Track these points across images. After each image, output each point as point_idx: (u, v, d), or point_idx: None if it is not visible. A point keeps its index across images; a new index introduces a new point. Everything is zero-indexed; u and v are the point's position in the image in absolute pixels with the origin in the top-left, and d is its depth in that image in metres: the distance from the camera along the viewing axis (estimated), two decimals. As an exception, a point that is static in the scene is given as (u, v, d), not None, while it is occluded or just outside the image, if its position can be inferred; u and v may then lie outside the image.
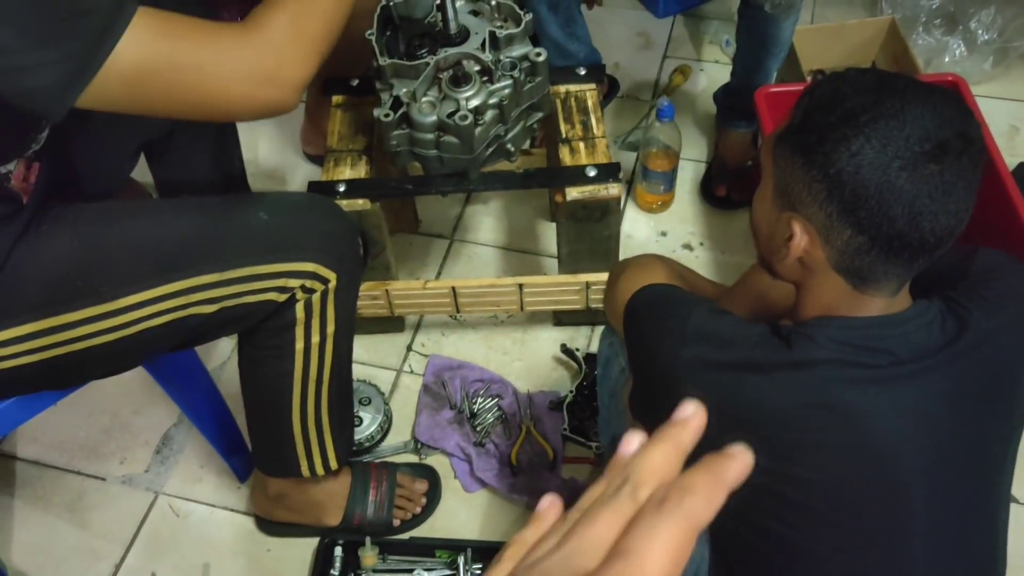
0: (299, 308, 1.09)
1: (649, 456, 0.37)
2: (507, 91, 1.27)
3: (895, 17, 1.91)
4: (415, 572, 1.35)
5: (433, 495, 1.44)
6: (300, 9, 0.93)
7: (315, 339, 1.13)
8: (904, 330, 0.82)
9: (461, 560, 1.35)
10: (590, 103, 1.51)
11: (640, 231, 1.81)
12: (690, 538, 0.33)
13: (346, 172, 1.44)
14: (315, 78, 1.81)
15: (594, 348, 1.61)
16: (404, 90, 1.28)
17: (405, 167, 1.38)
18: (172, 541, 1.44)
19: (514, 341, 1.65)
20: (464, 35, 1.31)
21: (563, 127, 1.48)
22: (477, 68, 1.28)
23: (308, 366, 1.15)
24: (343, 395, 1.25)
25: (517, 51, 1.30)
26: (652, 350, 0.89)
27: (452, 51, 1.29)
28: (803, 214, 0.81)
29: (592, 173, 1.38)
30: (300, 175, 1.94)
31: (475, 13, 1.35)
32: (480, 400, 1.54)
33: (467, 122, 1.24)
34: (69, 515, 1.47)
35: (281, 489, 1.34)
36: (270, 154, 1.98)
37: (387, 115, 1.27)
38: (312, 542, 1.41)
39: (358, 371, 1.46)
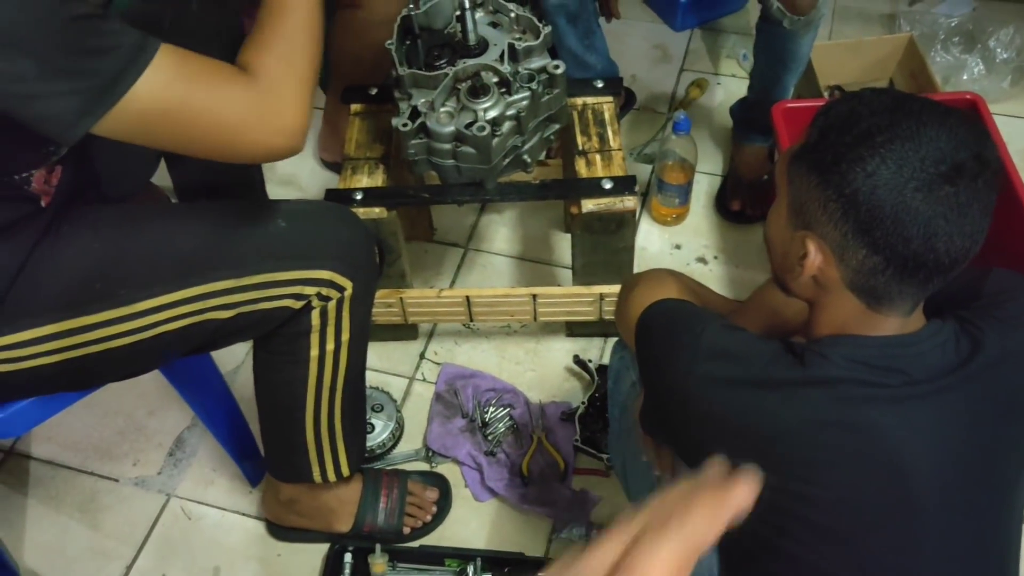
0: (315, 315, 1.09)
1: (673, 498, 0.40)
2: (525, 103, 1.28)
3: (913, 34, 1.91)
4: (424, 580, 1.36)
5: (444, 503, 1.44)
6: (288, 50, 0.95)
7: (330, 346, 1.13)
8: (918, 350, 0.82)
9: (471, 569, 1.35)
10: (607, 115, 1.52)
11: (654, 243, 1.81)
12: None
13: (363, 180, 1.45)
14: (334, 87, 1.83)
15: (607, 360, 1.61)
16: (422, 100, 1.29)
17: (422, 176, 1.39)
18: (183, 544, 1.45)
19: (527, 351, 1.66)
20: (483, 46, 1.32)
21: (580, 139, 1.49)
22: (495, 79, 1.29)
23: (322, 373, 1.15)
24: (356, 402, 1.26)
25: (535, 63, 1.31)
26: (664, 365, 0.89)
27: (471, 62, 1.30)
28: (818, 233, 0.81)
29: (608, 186, 1.39)
30: (317, 182, 1.95)
31: (494, 25, 1.36)
32: (492, 409, 1.54)
33: (484, 133, 1.25)
34: (81, 515, 1.49)
35: (293, 494, 1.35)
36: (288, 160, 1.98)
37: (405, 125, 1.28)
38: (322, 548, 1.41)
39: (371, 378, 1.47)
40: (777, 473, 0.83)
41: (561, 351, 1.64)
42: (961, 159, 0.75)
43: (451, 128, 1.27)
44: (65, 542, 1.46)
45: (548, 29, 1.31)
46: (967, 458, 0.83)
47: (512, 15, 1.34)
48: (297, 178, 1.96)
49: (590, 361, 1.58)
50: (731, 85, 2.09)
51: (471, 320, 1.59)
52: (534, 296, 1.52)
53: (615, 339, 1.64)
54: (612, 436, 1.16)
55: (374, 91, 1.56)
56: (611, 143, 1.48)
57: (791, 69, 1.62)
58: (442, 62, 1.31)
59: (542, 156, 1.42)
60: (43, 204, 1.02)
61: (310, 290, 1.07)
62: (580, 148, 1.47)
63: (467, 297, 1.53)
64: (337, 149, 1.91)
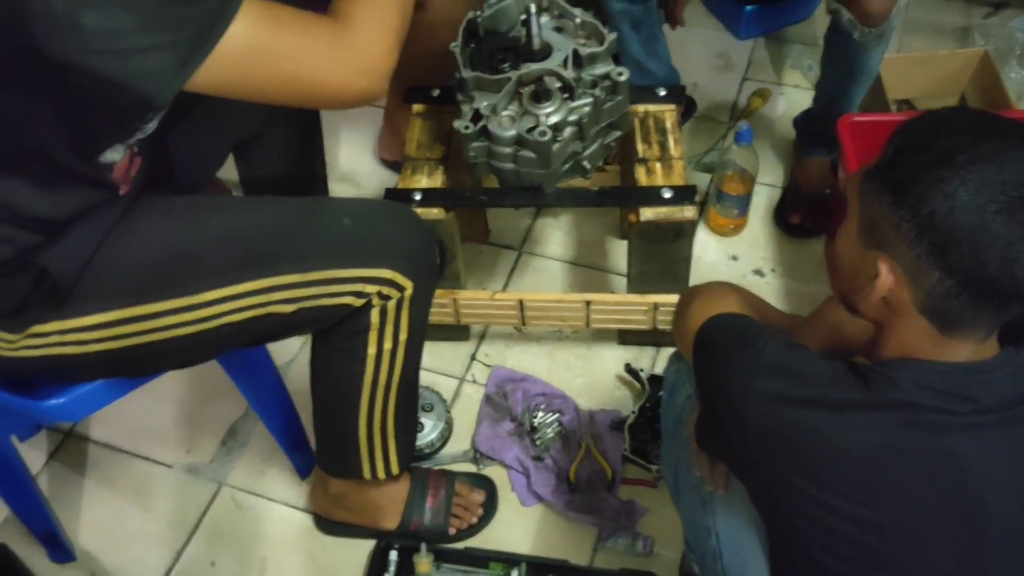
0: (374, 314, 1.10)
1: None
2: (587, 109, 1.28)
3: (988, 48, 1.86)
4: (467, 582, 1.36)
5: (490, 506, 1.45)
6: (380, 3, 0.98)
7: (387, 345, 1.14)
8: (990, 378, 0.80)
9: (515, 574, 1.35)
10: (669, 124, 1.51)
11: (710, 254, 1.79)
12: None
13: (423, 181, 1.46)
14: (396, 87, 1.85)
15: (659, 369, 1.60)
16: (485, 103, 1.29)
17: (480, 178, 1.40)
18: (232, 532, 1.47)
19: (578, 357, 1.65)
20: (547, 51, 1.32)
21: (640, 147, 1.48)
22: (558, 85, 1.29)
23: (378, 371, 1.16)
24: (409, 401, 1.27)
25: (599, 69, 1.30)
26: (722, 381, 0.88)
27: (534, 67, 1.30)
28: (890, 253, 0.80)
29: (668, 195, 1.38)
30: (375, 179, 1.97)
31: (559, 30, 1.36)
32: (541, 414, 1.54)
33: (546, 138, 1.25)
34: (135, 499, 1.52)
35: (341, 489, 1.36)
36: (347, 157, 2.01)
37: (467, 127, 1.28)
38: (368, 544, 1.42)
39: (422, 377, 1.47)
40: (836, 495, 0.82)
41: (612, 359, 1.64)
42: None
43: (512, 132, 1.27)
44: (118, 524, 1.49)
45: (613, 36, 1.30)
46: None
47: (577, 20, 1.34)
48: (355, 175, 1.98)
49: (641, 370, 1.57)
50: (794, 96, 2.06)
51: (523, 324, 1.59)
52: (588, 303, 1.52)
53: (669, 349, 1.63)
54: (665, 448, 1.16)
55: (436, 92, 1.57)
56: (672, 152, 1.47)
57: (859, 82, 1.59)
58: (506, 66, 1.31)
59: (601, 162, 1.41)
60: (121, 192, 1.04)
61: (371, 288, 1.08)
62: (640, 156, 1.46)
63: (520, 301, 1.53)
64: (396, 148, 1.93)
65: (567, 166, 1.34)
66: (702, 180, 1.90)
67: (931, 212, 0.75)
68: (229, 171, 1.48)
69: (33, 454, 1.56)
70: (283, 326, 1.09)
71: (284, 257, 1.05)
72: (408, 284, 1.10)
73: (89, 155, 0.99)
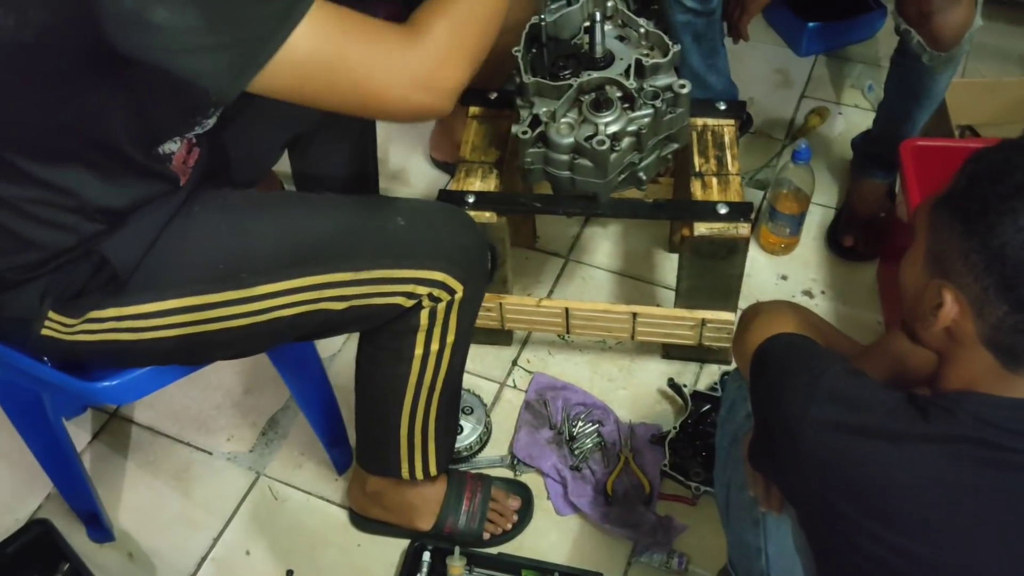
0: (423, 315, 1.10)
1: None
2: (647, 120, 1.27)
3: (1056, 78, 1.82)
4: (499, 588, 1.36)
5: (525, 513, 1.44)
6: (461, 17, 0.94)
7: (434, 347, 1.14)
8: None
9: (547, 583, 1.34)
10: (727, 139, 1.49)
11: (760, 272, 1.77)
12: None
13: (476, 184, 1.46)
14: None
15: (702, 386, 1.58)
16: (544, 109, 1.28)
17: (533, 184, 1.39)
18: (268, 522, 1.48)
19: (620, 368, 1.64)
20: (609, 60, 1.31)
21: (697, 160, 1.46)
22: (619, 94, 1.28)
23: (424, 372, 1.16)
24: (452, 404, 1.27)
25: (661, 81, 1.29)
26: (779, 403, 0.87)
27: (596, 75, 1.29)
28: (956, 284, 0.78)
29: (723, 211, 1.36)
30: (425, 179, 1.97)
31: (621, 39, 1.35)
32: (580, 424, 1.53)
33: (604, 147, 1.24)
34: (176, 483, 1.53)
35: (379, 487, 1.37)
36: (398, 155, 2.02)
37: (525, 132, 1.28)
38: (401, 543, 1.42)
39: (463, 380, 1.47)
40: (888, 528, 0.80)
41: (655, 372, 1.62)
42: None
43: (570, 140, 1.26)
44: (158, 507, 1.51)
45: (677, 48, 1.29)
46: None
47: (641, 30, 1.33)
48: (406, 173, 1.99)
49: (685, 386, 1.56)
50: (853, 116, 2.03)
51: (567, 332, 1.58)
52: (634, 315, 1.51)
53: (713, 366, 1.61)
54: (718, 465, 1.14)
55: (494, 95, 1.57)
56: (729, 167, 1.45)
57: (924, 106, 1.56)
58: (566, 72, 1.30)
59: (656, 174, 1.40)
60: (180, 184, 1.05)
61: (422, 290, 1.08)
62: (697, 170, 1.45)
63: (566, 309, 1.52)
64: (447, 148, 1.93)
65: (623, 176, 1.33)
66: (754, 196, 1.88)
67: (1002, 244, 0.73)
68: (282, 164, 1.49)
69: (78, 433, 1.58)
70: (333, 323, 1.10)
71: (338, 255, 1.05)
72: (459, 287, 1.10)
73: (149, 146, 1.01)
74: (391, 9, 2.05)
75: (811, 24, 2.08)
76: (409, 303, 1.09)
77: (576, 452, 1.50)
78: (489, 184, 1.46)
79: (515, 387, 1.63)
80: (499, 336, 1.66)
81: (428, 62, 0.90)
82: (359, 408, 1.28)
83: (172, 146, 1.04)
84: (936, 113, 1.65)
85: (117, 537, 1.47)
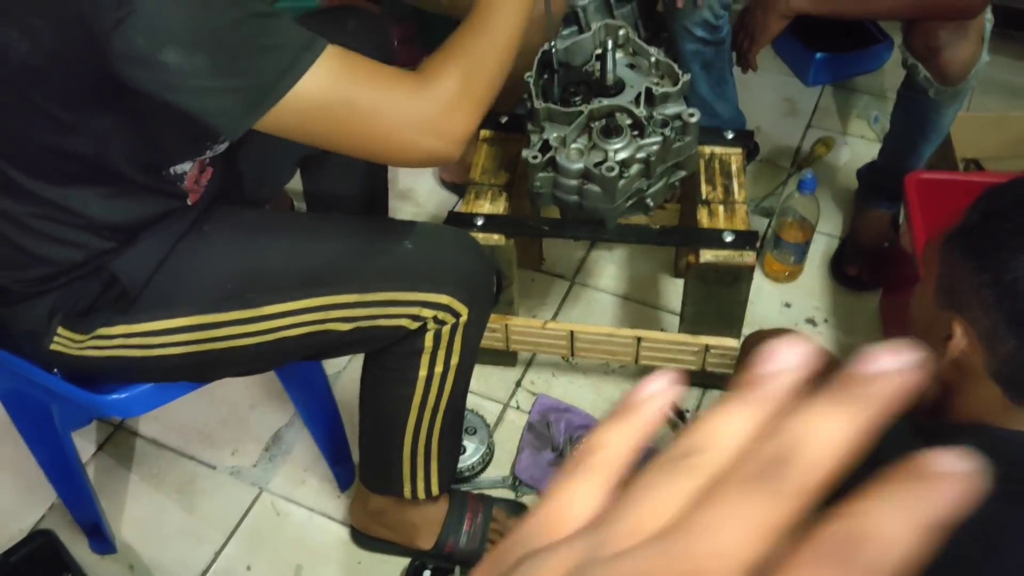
0: (428, 337, 1.12)
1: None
2: (656, 147, 1.28)
3: (1062, 113, 1.83)
4: (498, 609, 1.36)
5: (525, 535, 1.44)
6: (472, 67, 0.96)
7: (438, 368, 1.15)
8: None
9: (546, 606, 1.34)
10: (734, 167, 1.50)
11: (763, 299, 1.78)
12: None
13: (485, 206, 1.47)
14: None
15: (704, 411, 1.58)
16: (555, 134, 1.30)
17: (541, 208, 1.40)
18: (270, 538, 1.49)
19: (623, 392, 1.65)
20: (620, 87, 1.33)
21: (704, 188, 1.48)
22: (629, 121, 1.29)
23: (428, 393, 1.17)
24: (455, 425, 1.28)
25: (671, 109, 1.31)
26: None
27: (606, 102, 1.31)
28: (966, 317, 0.79)
29: (729, 238, 1.37)
30: (434, 199, 1.99)
31: (632, 67, 1.37)
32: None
33: (613, 174, 1.25)
34: (179, 497, 1.54)
35: (381, 506, 1.37)
36: (408, 175, 2.04)
37: (535, 157, 1.29)
38: (402, 562, 1.43)
39: (467, 401, 1.48)
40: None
41: (658, 397, 1.63)
42: None
43: (580, 165, 1.28)
44: (161, 520, 1.51)
45: (687, 77, 1.31)
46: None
47: (652, 59, 1.35)
48: (415, 193, 2.01)
49: (687, 411, 1.57)
50: (858, 147, 2.05)
51: (572, 355, 1.59)
52: (638, 339, 1.52)
53: (715, 392, 1.62)
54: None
55: (504, 119, 1.59)
56: (736, 195, 1.47)
57: (929, 139, 1.57)
58: (577, 99, 1.32)
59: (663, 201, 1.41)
60: (190, 202, 1.07)
61: (428, 312, 1.09)
62: (704, 197, 1.46)
63: (571, 332, 1.53)
64: (457, 170, 1.95)
65: (631, 202, 1.34)
66: (759, 224, 1.89)
67: (1013, 280, 0.74)
68: (293, 183, 1.51)
69: (83, 444, 1.59)
70: (339, 343, 1.11)
71: (345, 277, 1.07)
72: (464, 311, 1.11)
73: (158, 168, 1.02)
74: (406, 32, 2.08)
75: (819, 55, 2.10)
76: (414, 325, 1.10)
77: (578, 475, 1.50)
78: (498, 207, 1.47)
79: (518, 408, 1.63)
80: (504, 357, 1.67)
81: (438, 109, 0.92)
82: (363, 427, 1.29)
83: (184, 166, 1.06)
84: (941, 146, 1.66)
85: (119, 549, 1.47)
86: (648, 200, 1.35)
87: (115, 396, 1.11)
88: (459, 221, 1.42)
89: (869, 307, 1.76)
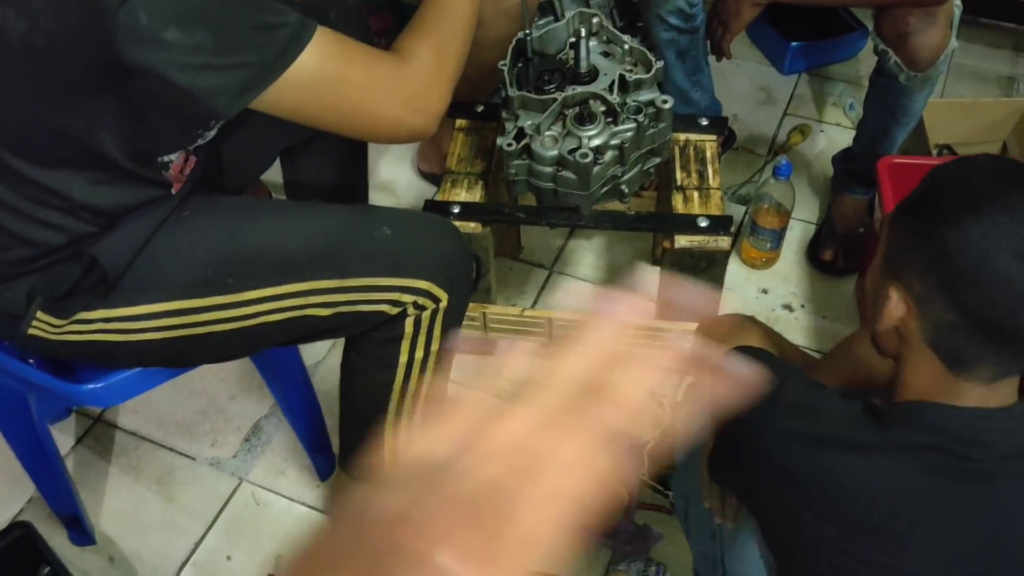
0: (408, 323, 1.12)
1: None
2: (629, 134, 1.29)
3: (1032, 99, 1.86)
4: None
5: (505, 521, 1.45)
6: (441, 45, 1.03)
7: (419, 354, 1.16)
8: (1007, 425, 0.80)
9: (526, 590, 1.35)
10: (709, 154, 1.52)
11: (740, 285, 1.80)
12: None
13: (462, 194, 1.48)
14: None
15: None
16: (529, 122, 1.31)
17: (518, 196, 1.41)
18: (250, 528, 1.49)
19: (602, 379, 1.66)
20: (593, 75, 1.34)
21: (679, 174, 1.49)
22: (603, 108, 1.30)
23: (408, 379, 1.18)
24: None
25: (644, 96, 1.32)
26: (739, 416, 0.89)
27: (580, 89, 1.31)
28: (903, 283, 0.81)
29: (704, 224, 1.39)
30: (413, 190, 1.99)
31: (606, 54, 1.38)
32: (562, 433, 1.55)
33: (587, 160, 1.26)
34: (158, 488, 1.54)
35: (361, 493, 1.38)
36: (387, 166, 2.04)
37: (510, 145, 1.30)
38: (383, 549, 1.43)
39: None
40: (849, 536, 0.82)
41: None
42: None
43: (554, 152, 1.29)
44: (141, 512, 1.51)
45: (660, 64, 1.32)
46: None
47: (625, 47, 1.36)
48: (394, 184, 2.01)
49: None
50: (834, 134, 2.07)
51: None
52: (616, 325, 1.53)
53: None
54: (676, 478, 1.16)
55: (480, 108, 1.59)
56: (710, 181, 1.48)
57: (902, 124, 1.59)
58: (551, 87, 1.33)
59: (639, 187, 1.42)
60: (173, 191, 1.07)
61: (407, 298, 1.09)
62: (678, 183, 1.48)
63: (550, 319, 1.54)
64: (435, 160, 1.95)
65: (605, 189, 1.35)
66: (736, 211, 1.91)
67: (943, 243, 0.76)
68: (271, 172, 1.50)
69: (62, 437, 1.58)
70: (318, 329, 1.11)
71: (324, 262, 1.07)
72: (444, 296, 1.12)
73: (148, 157, 1.03)
74: (383, 22, 2.08)
75: (794, 43, 2.12)
76: (394, 311, 1.10)
77: (557, 461, 1.51)
78: (474, 195, 1.48)
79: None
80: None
81: (418, 87, 0.98)
82: (343, 414, 1.30)
83: (173, 156, 1.06)
84: (914, 132, 1.68)
85: (99, 541, 1.47)
86: (623, 187, 1.36)
87: (91, 385, 1.11)
88: (436, 209, 1.43)
89: (845, 292, 1.78)
